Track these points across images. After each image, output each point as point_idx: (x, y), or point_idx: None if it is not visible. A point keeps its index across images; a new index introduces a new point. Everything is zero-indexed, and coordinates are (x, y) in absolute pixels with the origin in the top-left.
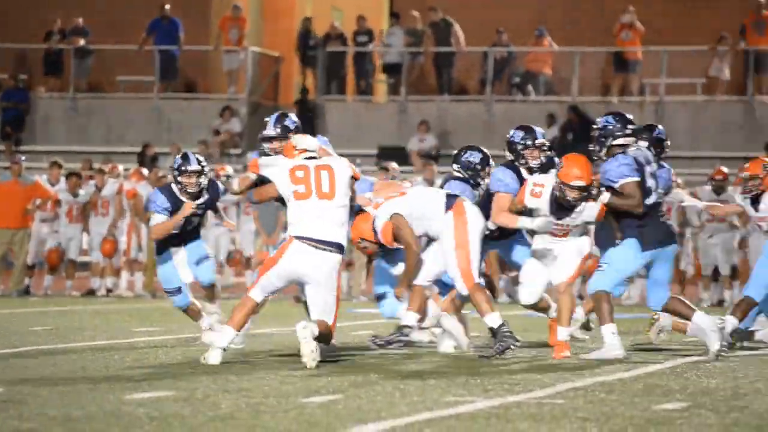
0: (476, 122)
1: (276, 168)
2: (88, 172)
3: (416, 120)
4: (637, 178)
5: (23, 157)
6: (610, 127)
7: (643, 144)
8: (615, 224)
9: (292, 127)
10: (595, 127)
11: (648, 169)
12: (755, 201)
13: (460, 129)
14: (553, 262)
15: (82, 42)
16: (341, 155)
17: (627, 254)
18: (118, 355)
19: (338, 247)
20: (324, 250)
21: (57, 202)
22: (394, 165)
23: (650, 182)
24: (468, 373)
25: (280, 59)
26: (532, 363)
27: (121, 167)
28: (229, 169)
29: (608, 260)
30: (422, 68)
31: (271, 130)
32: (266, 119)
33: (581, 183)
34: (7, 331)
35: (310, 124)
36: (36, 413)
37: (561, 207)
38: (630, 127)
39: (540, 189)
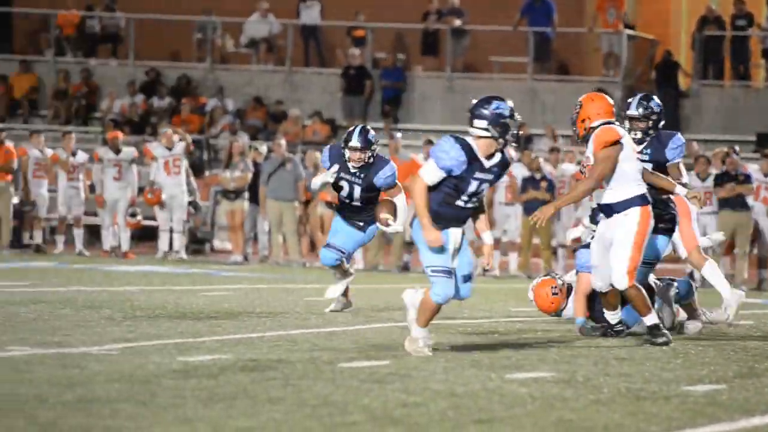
0: None
1: None
2: None
3: None
4: None
5: (400, 135)
6: None
7: None
8: None
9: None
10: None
11: None
12: None
13: None
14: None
15: (458, 22)
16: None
17: None
18: (498, 334)
19: None
20: None
21: None
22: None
23: None
24: None
25: (655, 42)
26: None
27: None
28: None
29: None
30: None
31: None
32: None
33: None
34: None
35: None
36: (421, 387)
37: None
38: None
39: None
